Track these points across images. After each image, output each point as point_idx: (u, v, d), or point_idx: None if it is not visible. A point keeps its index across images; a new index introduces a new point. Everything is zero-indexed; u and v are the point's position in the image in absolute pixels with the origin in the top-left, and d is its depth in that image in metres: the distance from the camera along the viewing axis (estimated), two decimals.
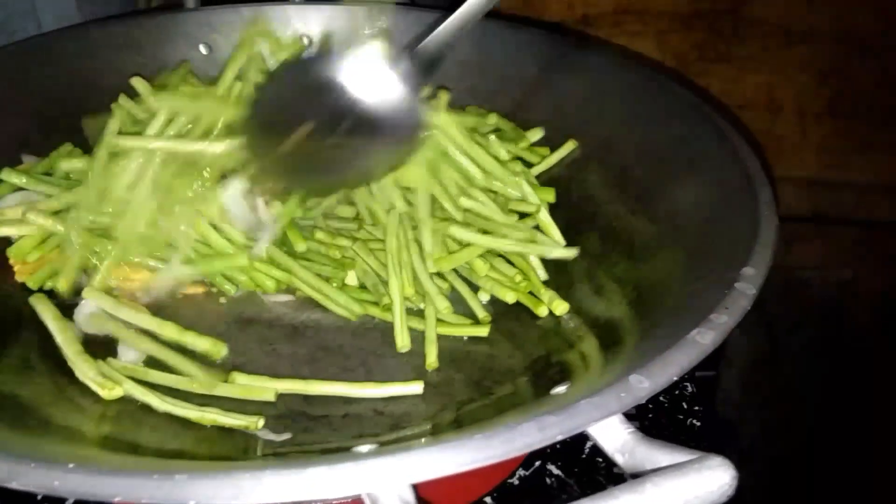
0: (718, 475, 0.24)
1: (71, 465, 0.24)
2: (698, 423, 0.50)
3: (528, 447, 0.25)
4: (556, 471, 0.46)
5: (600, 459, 0.46)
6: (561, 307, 0.46)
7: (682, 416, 0.51)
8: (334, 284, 0.47)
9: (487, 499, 0.43)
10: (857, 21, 0.96)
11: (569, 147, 0.55)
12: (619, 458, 0.28)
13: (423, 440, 0.35)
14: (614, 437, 0.28)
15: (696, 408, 0.51)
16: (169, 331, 0.42)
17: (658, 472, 0.24)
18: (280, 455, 0.36)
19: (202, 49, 0.60)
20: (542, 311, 0.46)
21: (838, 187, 1.06)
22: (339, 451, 0.36)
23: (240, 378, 0.40)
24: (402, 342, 0.44)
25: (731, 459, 0.26)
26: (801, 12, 0.97)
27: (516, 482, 0.45)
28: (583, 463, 0.46)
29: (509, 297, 0.47)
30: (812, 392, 0.83)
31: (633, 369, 0.28)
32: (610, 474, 0.45)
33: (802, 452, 0.76)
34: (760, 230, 0.36)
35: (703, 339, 0.29)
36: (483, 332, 0.45)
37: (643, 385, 0.27)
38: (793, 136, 1.05)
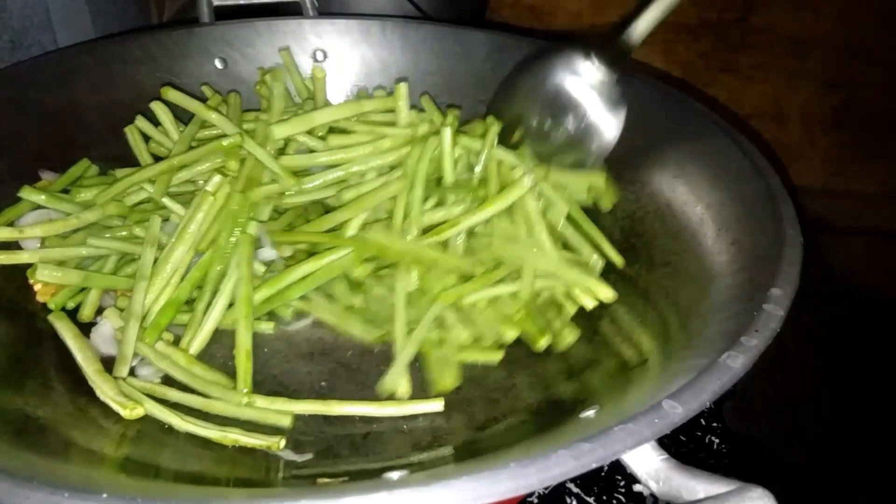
0: None
1: (105, 496, 0.24)
2: (717, 440, 0.50)
3: (563, 476, 0.25)
4: (575, 489, 0.46)
5: (619, 477, 0.46)
6: (572, 335, 0.45)
7: (700, 433, 0.50)
8: (343, 305, 0.47)
9: None
10: (863, 31, 0.96)
11: None
12: (652, 485, 0.27)
13: (452, 466, 0.35)
14: (647, 463, 0.28)
15: (715, 424, 0.51)
16: (179, 358, 0.42)
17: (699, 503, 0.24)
18: (303, 477, 0.36)
19: (217, 63, 0.60)
20: (542, 345, 0.44)
21: (845, 196, 1.06)
22: (365, 473, 0.36)
23: (259, 400, 0.40)
24: (404, 388, 0.42)
25: (759, 480, 0.26)
26: (807, 22, 0.97)
27: (535, 500, 0.45)
28: (602, 480, 0.46)
29: (509, 335, 0.44)
30: (821, 402, 0.82)
31: (665, 394, 0.28)
32: (630, 493, 0.45)
33: (813, 462, 0.76)
34: (786, 249, 0.36)
35: (734, 363, 0.29)
36: (496, 357, 0.44)
37: (676, 411, 0.27)
38: (799, 145, 1.05)
